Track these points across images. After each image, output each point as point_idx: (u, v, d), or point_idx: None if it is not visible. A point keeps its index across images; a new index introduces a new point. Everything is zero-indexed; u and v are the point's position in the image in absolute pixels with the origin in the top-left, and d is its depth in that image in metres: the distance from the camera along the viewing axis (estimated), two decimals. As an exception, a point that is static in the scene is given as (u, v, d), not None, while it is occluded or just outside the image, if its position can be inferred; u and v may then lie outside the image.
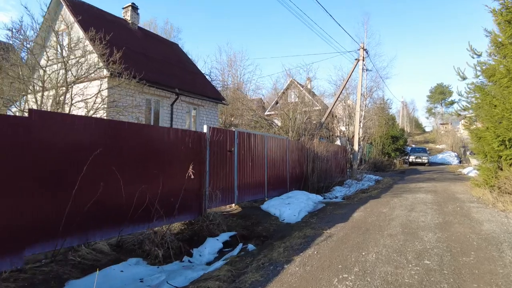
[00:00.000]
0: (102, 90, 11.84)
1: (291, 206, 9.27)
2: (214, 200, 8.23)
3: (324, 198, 11.91)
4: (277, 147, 11.79)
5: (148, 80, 14.14)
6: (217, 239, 6.74)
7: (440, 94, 79.01)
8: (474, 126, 14.09)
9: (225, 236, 6.94)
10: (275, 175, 11.51)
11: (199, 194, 7.89)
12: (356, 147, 20.17)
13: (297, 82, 28.84)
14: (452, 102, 77.72)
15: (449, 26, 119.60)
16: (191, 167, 7.15)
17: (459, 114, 14.01)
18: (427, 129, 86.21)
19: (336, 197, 12.42)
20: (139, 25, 18.18)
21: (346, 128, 30.24)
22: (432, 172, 25.77)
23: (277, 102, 27.26)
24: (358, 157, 22.50)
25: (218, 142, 8.64)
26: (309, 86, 31.36)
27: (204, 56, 78.32)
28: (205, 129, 8.38)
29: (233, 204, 9.35)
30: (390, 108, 37.34)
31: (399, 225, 7.07)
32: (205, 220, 7.48)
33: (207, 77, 19.13)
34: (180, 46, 22.61)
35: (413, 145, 49.23)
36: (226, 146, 9.05)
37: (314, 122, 26.76)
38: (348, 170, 20.32)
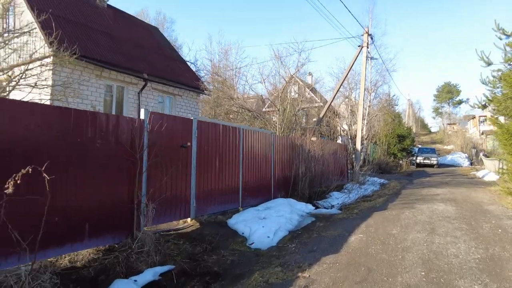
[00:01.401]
0: (43, 71, 9.51)
1: (266, 222, 6.84)
2: (157, 214, 5.84)
3: (316, 208, 9.47)
4: (259, 143, 9.35)
5: (107, 62, 11.75)
6: (135, 281, 4.33)
7: (447, 93, 76.01)
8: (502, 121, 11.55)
9: (150, 274, 4.52)
10: (254, 179, 9.08)
11: (131, 207, 5.49)
12: (358, 146, 17.69)
13: (297, 78, 26.30)
14: (460, 102, 74.77)
15: (457, 22, 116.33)
16: (114, 169, 4.74)
17: (485, 106, 11.49)
18: (432, 130, 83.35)
19: (332, 207, 9.97)
20: (111, 3, 15.78)
21: (348, 127, 27.75)
22: (444, 175, 23.19)
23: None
24: (361, 157, 20.00)
25: (165, 134, 6.24)
26: (310, 81, 28.87)
27: (196, 47, 75.29)
28: (142, 115, 5.97)
29: (189, 219, 6.94)
30: (397, 105, 34.68)
31: (419, 263, 4.62)
32: (130, 247, 5.07)
33: (191, 66, 16.70)
34: (172, 38, 20.26)
35: (419, 146, 46.56)
36: (178, 140, 6.65)
37: (315, 119, 24.27)
38: (349, 171, 17.85)
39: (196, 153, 7.06)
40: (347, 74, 18.42)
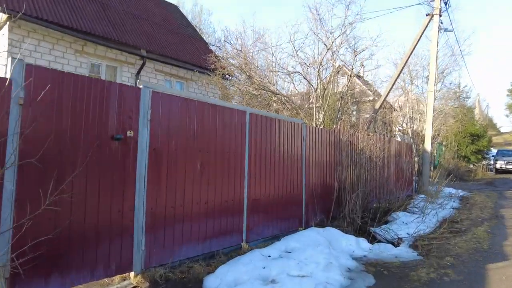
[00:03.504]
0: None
1: (276, 292, 3.36)
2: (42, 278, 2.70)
3: (373, 243, 5.75)
4: (280, 137, 5.90)
5: (90, 33, 9.01)
6: None
7: (524, 87, 65.58)
8: None
9: None
10: (272, 193, 5.64)
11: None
12: (428, 146, 13.41)
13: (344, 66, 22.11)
14: (541, 97, 64.12)
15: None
16: None
17: None
18: (502, 130, 73.02)
19: (399, 240, 6.18)
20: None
21: (407, 124, 23.01)
22: (542, 185, 17.72)
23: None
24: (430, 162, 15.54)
25: (72, 113, 3.10)
26: (361, 73, 24.54)
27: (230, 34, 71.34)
28: (8, 67, 2.86)
29: (132, 273, 3.69)
30: (468, 98, 28.75)
31: None
32: None
33: (212, 48, 13.60)
34: (210, 31, 17.51)
35: (492, 148, 39.30)
36: (106, 125, 3.45)
37: (367, 115, 20.05)
38: (414, 179, 13.63)
39: (148, 150, 3.81)
40: (411, 53, 14.12)
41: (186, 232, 4.20)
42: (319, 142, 7.02)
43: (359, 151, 7.31)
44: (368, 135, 7.85)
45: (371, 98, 25.28)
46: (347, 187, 6.90)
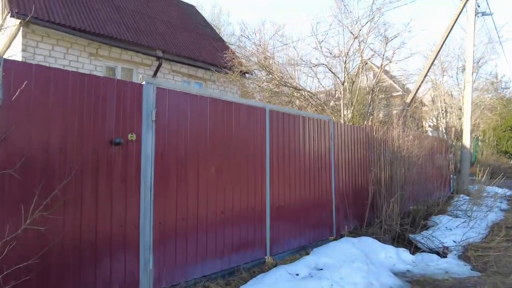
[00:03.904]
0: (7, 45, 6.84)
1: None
2: None
3: (415, 257, 4.99)
4: (305, 135, 5.29)
5: (105, 36, 8.77)
6: None
7: None
8: None
9: None
10: (297, 199, 5.04)
11: None
12: (466, 142, 12.29)
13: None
14: None
15: None
16: None
17: None
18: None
19: (445, 254, 5.37)
20: None
21: (440, 118, 21.63)
22: None
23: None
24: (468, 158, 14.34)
25: (62, 113, 2.67)
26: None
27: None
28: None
29: (138, 298, 3.21)
30: (507, 88, 26.65)
31: None
32: None
33: (232, 47, 13.12)
34: (229, 33, 17.22)
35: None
36: (103, 128, 2.99)
37: (395, 111, 18.96)
38: (451, 178, 12.57)
39: (154, 155, 3.32)
40: (444, 41, 13.01)
41: (201, 247, 3.69)
42: (349, 141, 6.33)
43: (394, 149, 6.54)
44: (403, 131, 7.06)
45: (399, 92, 24.04)
46: (382, 190, 6.16)
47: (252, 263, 4.23)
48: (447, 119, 20.43)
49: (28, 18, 6.26)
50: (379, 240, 5.44)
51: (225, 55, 9.35)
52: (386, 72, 22.34)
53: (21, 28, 7.54)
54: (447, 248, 5.52)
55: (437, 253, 5.53)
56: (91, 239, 2.87)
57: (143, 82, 3.33)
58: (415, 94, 13.31)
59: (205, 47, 11.96)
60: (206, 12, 35.82)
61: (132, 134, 3.17)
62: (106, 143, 3.00)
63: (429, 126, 23.97)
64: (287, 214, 4.83)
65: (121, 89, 3.14)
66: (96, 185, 2.91)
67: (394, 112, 20.00)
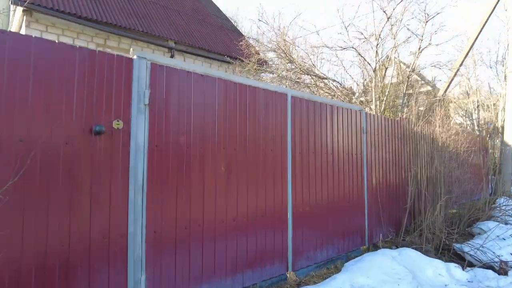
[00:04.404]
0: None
1: None
2: None
3: (469, 276, 4.11)
4: (333, 127, 4.50)
5: (114, 25, 8.24)
6: None
7: None
8: None
9: None
10: (324, 202, 4.25)
11: None
12: (509, 138, 11.09)
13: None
14: None
15: None
16: None
17: None
18: None
19: (504, 270, 4.45)
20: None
21: (473, 114, 20.18)
22: None
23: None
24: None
25: (23, 93, 1.99)
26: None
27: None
28: None
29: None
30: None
31: None
32: None
33: (251, 41, 12.40)
34: (247, 30, 16.53)
35: None
36: (80, 114, 2.33)
37: (421, 108, 17.78)
38: (490, 179, 11.45)
39: (147, 147, 2.64)
40: (482, 28, 11.82)
41: (207, 261, 2.99)
42: (383, 135, 5.49)
43: (437, 145, 5.63)
44: (444, 126, 6.13)
45: (426, 88, 22.66)
46: (423, 192, 5.28)
47: (270, 281, 3.49)
48: (480, 115, 19.01)
49: (27, 2, 5.75)
50: (421, 251, 4.59)
51: (241, 44, 8.61)
52: (413, 71, 21.05)
53: (24, 17, 7.09)
54: (506, 263, 4.60)
55: (491, 268, 4.64)
56: (63, 254, 2.21)
57: (134, 56, 2.65)
58: (447, 86, 12.18)
59: (220, 39, 11.30)
60: (223, 4, 35.32)
61: (118, 121, 2.50)
62: (84, 132, 2.34)
63: (458, 123, 22.48)
64: (312, 220, 4.07)
65: (104, 63, 2.47)
66: (69, 185, 2.25)
67: (420, 108, 18.79)
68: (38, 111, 2.16)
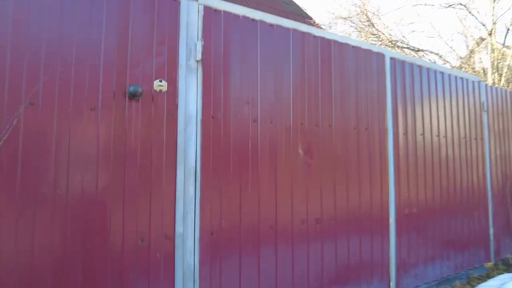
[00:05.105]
0: None
1: None
2: None
3: None
4: (444, 102, 3.37)
5: None
6: None
7: None
8: None
9: None
10: (435, 201, 3.16)
11: None
12: None
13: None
14: None
15: None
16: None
17: None
18: None
19: None
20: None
21: None
22: None
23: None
24: None
25: (36, 48, 1.43)
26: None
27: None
28: None
29: None
30: None
31: None
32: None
33: (323, 28, 11.41)
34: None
35: None
36: (110, 71, 1.70)
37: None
38: None
39: (201, 118, 1.95)
40: None
41: (282, 275, 2.20)
42: (509, 113, 4.12)
43: None
44: None
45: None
46: None
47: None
48: None
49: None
50: None
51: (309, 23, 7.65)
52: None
53: None
54: None
55: None
56: (74, 265, 1.62)
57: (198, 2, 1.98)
58: None
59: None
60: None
61: (161, 81, 1.84)
62: (116, 94, 1.72)
63: None
64: (420, 225, 3.02)
65: (144, 5, 1.83)
66: (95, 167, 1.65)
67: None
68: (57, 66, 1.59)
